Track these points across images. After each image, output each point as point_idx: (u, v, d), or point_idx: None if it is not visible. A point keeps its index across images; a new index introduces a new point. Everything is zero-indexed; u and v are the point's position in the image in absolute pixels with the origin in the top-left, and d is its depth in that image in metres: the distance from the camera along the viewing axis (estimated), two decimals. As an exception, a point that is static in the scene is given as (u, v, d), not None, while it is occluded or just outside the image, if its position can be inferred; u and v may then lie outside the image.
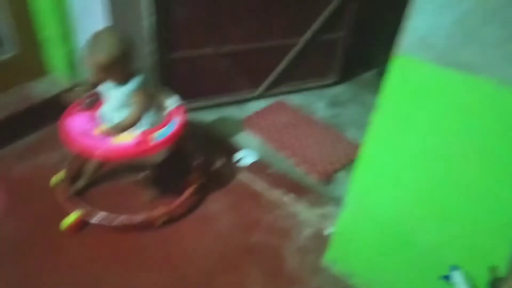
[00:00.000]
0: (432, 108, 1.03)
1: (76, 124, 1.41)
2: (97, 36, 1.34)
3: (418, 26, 0.98)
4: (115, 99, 1.43)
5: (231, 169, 1.89)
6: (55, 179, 1.67)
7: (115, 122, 1.43)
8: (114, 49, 1.32)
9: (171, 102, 1.59)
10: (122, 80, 1.41)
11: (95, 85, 1.47)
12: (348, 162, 2.00)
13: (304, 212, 1.73)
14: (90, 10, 1.68)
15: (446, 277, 1.12)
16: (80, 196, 1.66)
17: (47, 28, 1.93)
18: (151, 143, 1.41)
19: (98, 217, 1.51)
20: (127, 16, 1.71)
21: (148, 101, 1.46)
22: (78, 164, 1.73)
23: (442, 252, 1.17)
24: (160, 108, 1.61)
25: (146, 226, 1.57)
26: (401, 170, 1.18)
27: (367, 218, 1.34)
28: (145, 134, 1.42)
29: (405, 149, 1.14)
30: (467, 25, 0.92)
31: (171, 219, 1.63)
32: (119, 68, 1.37)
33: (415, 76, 1.02)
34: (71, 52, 1.95)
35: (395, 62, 1.04)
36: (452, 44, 0.95)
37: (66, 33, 1.89)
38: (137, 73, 1.44)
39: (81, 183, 1.67)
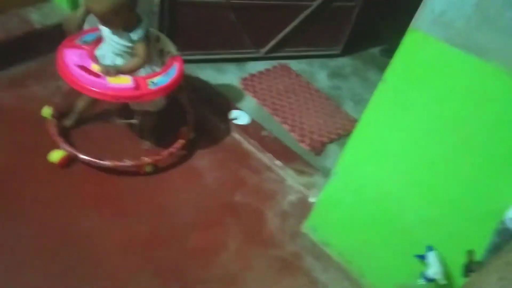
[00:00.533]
0: (437, 88, 1.02)
1: (73, 57, 1.36)
2: None
3: (437, 3, 0.95)
4: (116, 45, 1.38)
5: (224, 127, 1.87)
6: (46, 111, 1.62)
7: (114, 63, 1.39)
8: (115, 1, 1.25)
9: (171, 50, 1.54)
10: (124, 28, 1.34)
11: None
12: (341, 135, 2.00)
13: (291, 178, 1.74)
14: None
15: (421, 257, 1.15)
16: (70, 132, 1.63)
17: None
18: (149, 89, 1.37)
19: (85, 156, 1.49)
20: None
21: (150, 51, 1.41)
22: (71, 98, 1.68)
23: (420, 231, 1.20)
24: (159, 54, 1.56)
25: (133, 172, 1.56)
26: (394, 147, 1.18)
27: (352, 191, 1.35)
28: (143, 78, 1.38)
29: (401, 127, 1.14)
30: (486, 9, 0.89)
31: (159, 169, 1.62)
32: (120, 18, 1.30)
33: (426, 54, 1.00)
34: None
35: (408, 37, 1.02)
36: (469, 26, 0.92)
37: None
38: (140, 20, 1.37)
39: (71, 119, 1.63)
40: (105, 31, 1.37)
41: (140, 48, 1.38)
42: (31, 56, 1.87)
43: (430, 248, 1.14)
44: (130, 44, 1.37)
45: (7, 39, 1.77)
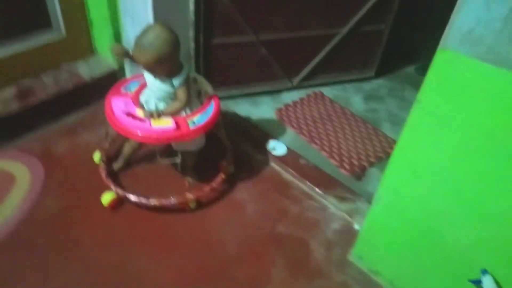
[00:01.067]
0: (473, 105, 1.00)
1: (120, 105, 1.47)
2: (146, 33, 1.34)
3: (465, 20, 0.95)
4: (158, 91, 1.47)
5: (262, 158, 1.90)
6: (97, 156, 1.75)
7: (157, 108, 1.48)
8: (161, 50, 1.33)
9: (208, 89, 1.62)
10: (167, 74, 1.43)
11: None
12: (381, 158, 1.97)
13: (333, 205, 1.73)
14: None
15: (476, 281, 1.09)
16: (119, 175, 1.73)
17: (95, 10, 2.01)
18: (189, 128, 1.44)
19: (134, 197, 1.57)
20: (172, 1, 1.76)
21: (190, 94, 1.49)
22: (119, 143, 1.80)
23: (474, 253, 1.14)
24: (197, 94, 1.65)
25: (178, 209, 1.62)
26: (436, 167, 1.15)
27: (397, 215, 1.32)
28: (183, 119, 1.46)
29: (442, 146, 1.11)
30: (517, 22, 0.88)
31: (202, 204, 1.67)
32: (163, 67, 1.39)
33: (458, 72, 0.99)
34: (117, 33, 2.02)
35: (439, 56, 1.01)
36: (499, 41, 0.91)
37: (113, 15, 1.95)
38: (182, 67, 1.45)
39: (120, 162, 1.74)
40: (148, 77, 1.47)
41: (181, 93, 1.46)
42: (81, 106, 2.04)
43: (485, 272, 1.08)
44: (172, 90, 1.46)
45: (60, 92, 1.94)
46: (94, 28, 2.09)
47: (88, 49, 2.15)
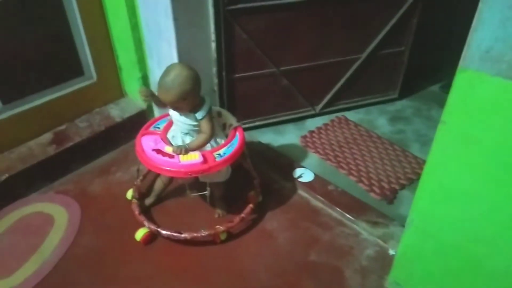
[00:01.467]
0: (501, 124, 0.98)
1: (149, 143, 1.53)
2: (168, 73, 1.42)
3: (482, 39, 0.95)
4: (183, 125, 1.53)
5: (290, 186, 1.91)
6: (130, 193, 1.81)
7: (183, 142, 1.54)
8: (183, 87, 1.40)
9: (233, 122, 1.67)
10: (191, 110, 1.50)
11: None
12: (412, 179, 1.93)
13: (365, 231, 1.69)
14: (162, 36, 1.84)
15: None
16: (152, 210, 1.78)
17: (124, 55, 2.13)
18: (215, 161, 1.48)
19: (165, 232, 1.60)
20: (195, 41, 1.85)
21: (214, 126, 1.54)
22: (150, 179, 1.86)
23: (517, 277, 1.09)
24: (222, 127, 1.70)
25: (209, 241, 1.64)
26: (467, 188, 1.12)
27: (431, 238, 1.28)
28: (210, 152, 1.50)
29: (471, 166, 1.09)
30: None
31: (232, 235, 1.68)
32: (187, 103, 1.46)
33: (480, 90, 0.99)
34: (144, 76, 2.13)
35: (459, 76, 1.01)
36: (520, 57, 0.91)
37: (140, 59, 2.07)
38: (203, 101, 1.51)
39: (152, 198, 1.79)
40: (174, 114, 1.54)
41: (205, 125, 1.51)
42: (113, 146, 2.13)
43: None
44: (196, 123, 1.51)
45: (93, 134, 2.05)
46: (123, 72, 2.21)
47: (118, 93, 2.27)
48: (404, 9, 2.12)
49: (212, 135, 1.53)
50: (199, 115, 1.49)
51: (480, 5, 0.91)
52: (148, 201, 1.79)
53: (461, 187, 1.14)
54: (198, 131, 1.54)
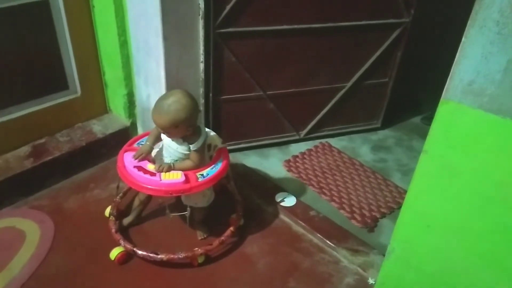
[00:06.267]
0: (481, 156, 1.01)
1: (131, 159, 1.50)
2: (167, 97, 1.41)
3: (465, 72, 0.98)
4: (174, 152, 1.51)
5: (272, 210, 1.89)
6: (108, 211, 1.75)
7: (167, 161, 1.51)
8: (176, 115, 1.39)
9: (218, 143, 1.66)
10: (183, 138, 1.48)
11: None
12: (392, 208, 1.94)
13: (345, 258, 1.68)
14: (150, 54, 1.84)
15: None
16: (130, 230, 1.73)
17: (110, 72, 2.12)
18: (198, 181, 1.46)
19: (141, 252, 1.55)
20: (184, 60, 1.85)
21: (204, 158, 1.53)
22: (130, 197, 1.82)
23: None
24: (207, 148, 1.68)
25: (187, 264, 1.59)
26: (448, 218, 1.13)
27: (412, 268, 1.28)
28: (193, 173, 1.48)
29: (452, 196, 1.10)
30: (515, 73, 0.91)
31: (211, 258, 1.64)
32: (179, 131, 1.44)
33: (462, 122, 1.01)
34: (130, 93, 2.11)
35: (442, 107, 1.04)
36: (501, 92, 0.94)
37: (127, 76, 2.06)
38: (199, 132, 1.50)
39: (129, 218, 1.74)
40: (165, 139, 1.52)
41: (195, 157, 1.49)
42: (93, 162, 2.09)
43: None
44: (187, 152, 1.50)
45: (73, 149, 2.00)
46: (108, 88, 2.19)
47: (102, 108, 2.24)
48: (388, 42, 2.20)
49: (198, 166, 1.51)
50: (193, 146, 1.48)
51: (463, 39, 0.95)
52: (127, 220, 1.74)
53: (442, 218, 1.15)
54: (186, 158, 1.52)
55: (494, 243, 1.06)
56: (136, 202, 1.73)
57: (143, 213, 1.77)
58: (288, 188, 2.01)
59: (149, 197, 1.70)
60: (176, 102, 1.39)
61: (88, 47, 2.04)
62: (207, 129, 1.72)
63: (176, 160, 1.52)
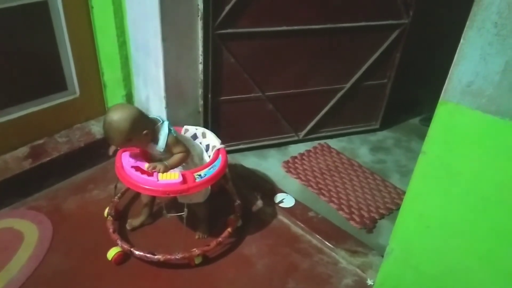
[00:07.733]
0: (479, 157, 1.01)
1: (129, 159, 1.50)
2: (104, 122, 1.39)
3: (463, 73, 0.98)
4: (158, 155, 1.51)
5: (270, 211, 1.89)
6: (107, 211, 1.75)
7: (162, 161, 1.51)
8: (122, 132, 1.37)
9: (216, 144, 1.65)
10: (149, 141, 1.47)
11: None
12: (391, 209, 1.94)
13: (344, 259, 1.68)
14: (149, 55, 1.84)
15: None
16: (126, 230, 1.72)
17: (109, 73, 2.12)
18: (195, 182, 1.45)
19: (138, 252, 1.55)
20: (183, 61, 1.85)
21: (187, 142, 1.52)
22: (128, 197, 1.82)
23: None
24: (206, 148, 1.68)
25: (184, 264, 1.59)
26: (447, 219, 1.13)
27: (411, 269, 1.28)
28: (191, 173, 1.48)
29: (450, 197, 1.10)
30: (513, 74, 0.91)
31: (209, 259, 1.64)
32: (136, 142, 1.43)
33: (461, 123, 1.01)
34: (129, 94, 2.11)
35: (440, 108, 1.04)
36: (499, 93, 0.94)
37: (126, 77, 2.06)
38: (159, 129, 1.46)
39: (138, 220, 1.74)
40: (150, 150, 1.51)
41: (176, 149, 1.48)
42: (92, 163, 2.08)
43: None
44: (163, 151, 1.48)
45: (72, 150, 2.00)
46: (107, 89, 2.19)
47: (101, 109, 2.23)
48: (387, 43, 2.20)
49: (187, 151, 1.50)
50: (160, 147, 1.47)
51: (462, 40, 0.95)
52: (136, 222, 1.74)
53: (441, 218, 1.15)
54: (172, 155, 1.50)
55: (493, 243, 1.06)
56: (142, 205, 1.74)
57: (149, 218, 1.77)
58: (286, 189, 2.01)
59: (153, 199, 1.71)
60: (113, 122, 1.37)
61: (87, 48, 2.04)
62: (205, 130, 1.72)
63: (164, 159, 1.50)
